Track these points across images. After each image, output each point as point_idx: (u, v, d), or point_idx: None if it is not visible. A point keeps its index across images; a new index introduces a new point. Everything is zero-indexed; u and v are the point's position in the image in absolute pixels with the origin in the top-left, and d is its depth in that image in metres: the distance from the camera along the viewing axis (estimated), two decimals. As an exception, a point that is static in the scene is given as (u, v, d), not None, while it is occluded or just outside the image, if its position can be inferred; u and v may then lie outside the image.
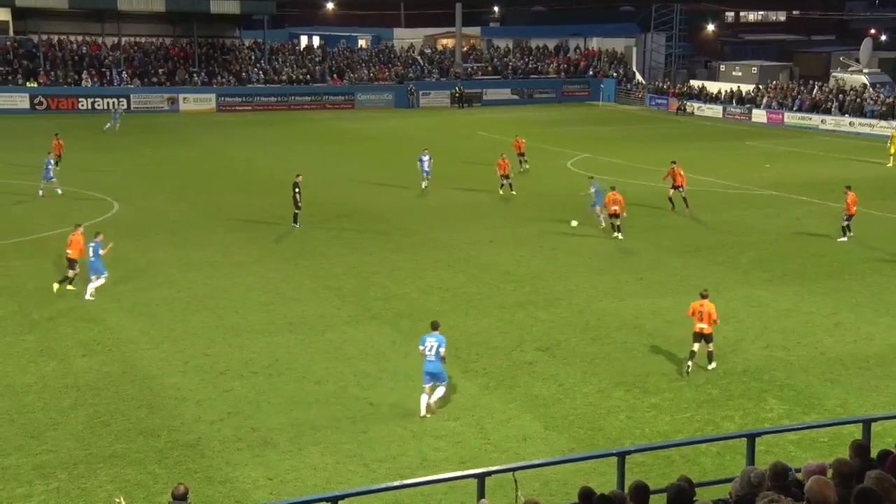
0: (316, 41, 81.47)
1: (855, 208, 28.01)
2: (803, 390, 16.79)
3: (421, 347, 15.92)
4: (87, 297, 21.82)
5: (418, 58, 76.98)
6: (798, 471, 8.35)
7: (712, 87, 68.84)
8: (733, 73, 71.04)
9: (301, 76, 70.63)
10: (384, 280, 23.99)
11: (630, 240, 28.34)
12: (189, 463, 13.94)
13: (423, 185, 36.13)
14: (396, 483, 12.28)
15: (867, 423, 10.36)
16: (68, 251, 22.34)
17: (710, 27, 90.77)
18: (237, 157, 40.83)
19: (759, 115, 61.88)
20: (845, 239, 27.65)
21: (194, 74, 67.89)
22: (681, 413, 15.88)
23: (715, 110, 65.30)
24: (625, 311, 21.42)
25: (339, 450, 14.44)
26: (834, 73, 65.44)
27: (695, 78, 75.35)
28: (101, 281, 22.19)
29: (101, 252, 22.18)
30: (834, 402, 16.24)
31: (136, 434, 14.86)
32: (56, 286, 22.15)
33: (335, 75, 71.96)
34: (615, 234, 28.74)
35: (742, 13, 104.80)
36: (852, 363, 18.04)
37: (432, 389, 15.75)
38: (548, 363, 18.20)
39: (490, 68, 76.77)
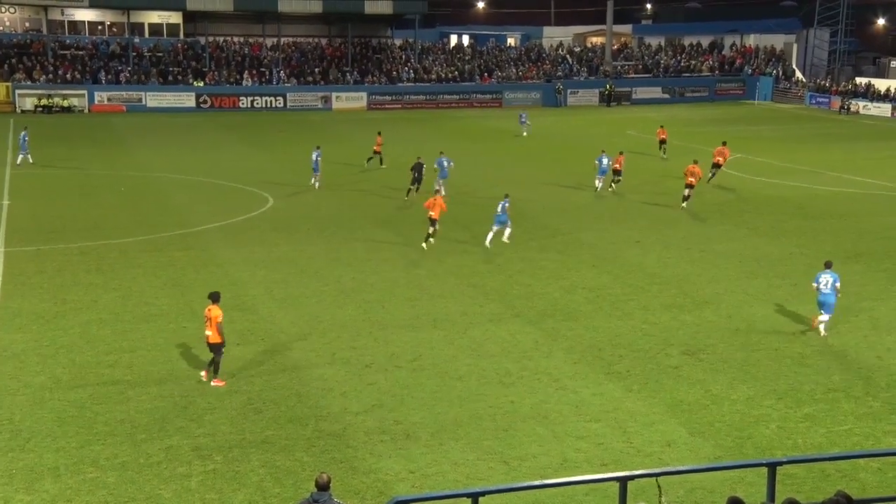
0: (466, 40, 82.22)
1: None
2: (974, 408, 15.73)
3: (815, 284, 19.53)
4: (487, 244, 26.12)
5: (567, 56, 76.45)
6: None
7: (881, 84, 65.34)
8: (904, 69, 67.29)
9: (450, 75, 71.39)
10: (528, 279, 23.94)
11: (784, 244, 27.26)
12: (335, 452, 14.33)
13: (598, 185, 35.63)
14: (537, 482, 12.25)
15: None
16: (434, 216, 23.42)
17: (881, 21, 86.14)
18: (387, 155, 41.65)
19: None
20: None
21: (347, 73, 69.72)
22: (838, 425, 15.16)
23: (883, 109, 61.99)
24: (777, 318, 20.62)
25: (480, 446, 14.52)
26: None
27: (861, 75, 71.69)
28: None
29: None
30: None
31: (285, 422, 15.39)
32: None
33: (484, 74, 72.35)
34: (683, 204, 31.75)
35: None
36: None
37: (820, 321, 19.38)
38: (694, 368, 17.74)
39: (641, 66, 75.44)
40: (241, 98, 65.99)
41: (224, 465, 13.87)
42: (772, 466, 9.91)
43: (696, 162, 33.71)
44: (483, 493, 9.42)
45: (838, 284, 19.30)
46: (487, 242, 26.82)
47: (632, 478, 9.92)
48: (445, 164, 34.93)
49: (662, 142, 44.57)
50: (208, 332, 17.00)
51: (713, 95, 72.69)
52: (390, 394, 16.58)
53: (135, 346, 18.89)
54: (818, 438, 14.70)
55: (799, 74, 75.70)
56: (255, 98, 66.10)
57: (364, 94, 67.96)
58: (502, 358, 18.37)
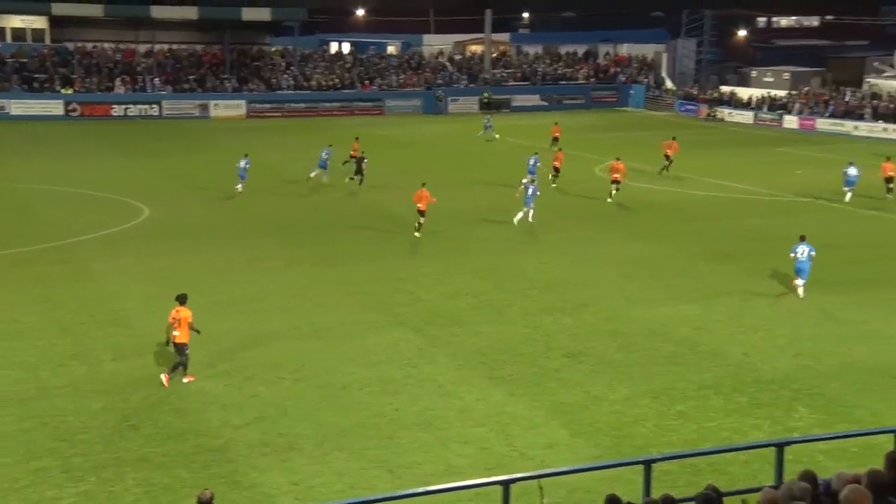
0: (346, 47, 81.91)
1: None
2: (834, 399, 16.57)
3: (792, 254, 22.55)
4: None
5: (447, 64, 77.09)
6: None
7: (743, 93, 68.31)
8: (764, 78, 70.44)
9: (331, 82, 70.98)
10: (410, 286, 23.98)
11: (658, 247, 28.17)
12: (215, 467, 13.99)
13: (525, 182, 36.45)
14: (421, 489, 12.23)
15: (899, 434, 10.19)
16: None
17: (742, 33, 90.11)
18: (267, 163, 41.08)
19: (790, 122, 61.32)
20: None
21: (225, 81, 68.45)
22: (708, 421, 15.72)
23: (746, 116, 64.76)
24: (653, 319, 21.26)
25: (364, 455, 14.44)
26: (868, 79, 64.67)
27: (725, 84, 74.77)
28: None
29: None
30: (865, 412, 16.01)
31: (163, 438, 14.94)
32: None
33: (365, 81, 72.24)
34: (609, 199, 34.24)
35: (774, 18, 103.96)
36: (884, 373, 17.78)
37: (798, 285, 22.37)
38: (574, 370, 18.10)
39: (519, 74, 76.70)
40: (113, 106, 63.93)
41: (97, 486, 13.36)
42: (647, 464, 10.18)
43: (618, 159, 35.56)
44: (367, 503, 9.35)
45: (813, 253, 22.38)
46: (516, 221, 30.29)
47: (514, 481, 10.02)
48: (243, 164, 36.26)
49: (556, 138, 47.60)
50: (176, 333, 17.03)
51: (589, 103, 74.52)
52: (272, 405, 16.32)
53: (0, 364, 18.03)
54: (691, 435, 15.20)
55: (669, 83, 78.39)
56: (129, 106, 64.15)
57: (243, 102, 66.85)
58: (386, 366, 18.33)
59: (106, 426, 15.35)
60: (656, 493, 9.15)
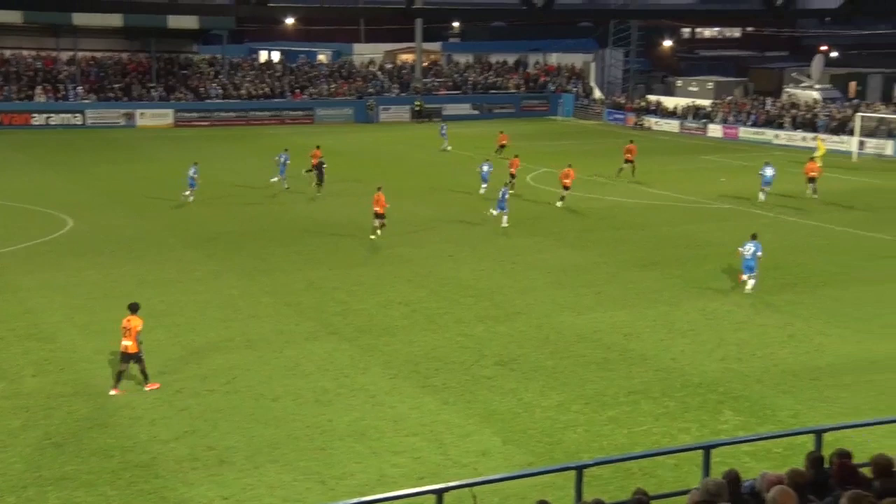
0: (276, 56, 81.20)
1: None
2: (758, 402, 16.99)
3: (741, 249, 24.02)
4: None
5: (378, 73, 77.05)
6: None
7: (669, 102, 69.64)
8: (689, 88, 71.92)
9: (261, 91, 70.34)
10: (344, 295, 23.90)
11: (588, 254, 28.56)
12: (142, 484, 13.73)
13: (482, 191, 38.34)
14: (354, 500, 12.16)
15: (819, 434, 10.49)
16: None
17: (667, 43, 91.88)
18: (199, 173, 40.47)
19: (714, 130, 62.67)
20: None
21: (151, 90, 67.34)
22: (638, 426, 15.97)
23: (672, 125, 66.02)
24: (584, 325, 21.53)
25: (297, 467, 14.32)
26: (787, 89, 66.52)
27: (652, 93, 76.12)
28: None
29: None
30: (787, 413, 16.44)
31: (88, 455, 14.61)
32: None
33: (295, 90, 71.77)
34: (558, 202, 35.71)
35: (698, 29, 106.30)
36: (805, 374, 18.30)
37: (749, 278, 23.83)
38: (507, 377, 18.23)
39: (451, 83, 77.04)
40: (33, 115, 62.31)
41: (21, 506, 12.99)
42: (579, 469, 10.30)
43: (570, 165, 36.57)
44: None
45: (759, 253, 23.81)
46: (489, 214, 32.29)
47: (447, 489, 10.05)
48: (192, 172, 36.04)
49: (502, 146, 48.26)
50: (127, 343, 16.96)
51: (520, 111, 75.14)
52: (202, 419, 16.09)
53: (-83, 383, 17.44)
54: (621, 439, 15.43)
55: (597, 92, 79.53)
56: (50, 115, 62.59)
57: (170, 111, 65.79)
58: (319, 376, 18.23)
59: (27, 444, 14.94)
60: (588, 498, 9.27)
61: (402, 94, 74.12)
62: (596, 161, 49.17)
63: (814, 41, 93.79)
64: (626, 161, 42.88)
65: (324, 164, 38.94)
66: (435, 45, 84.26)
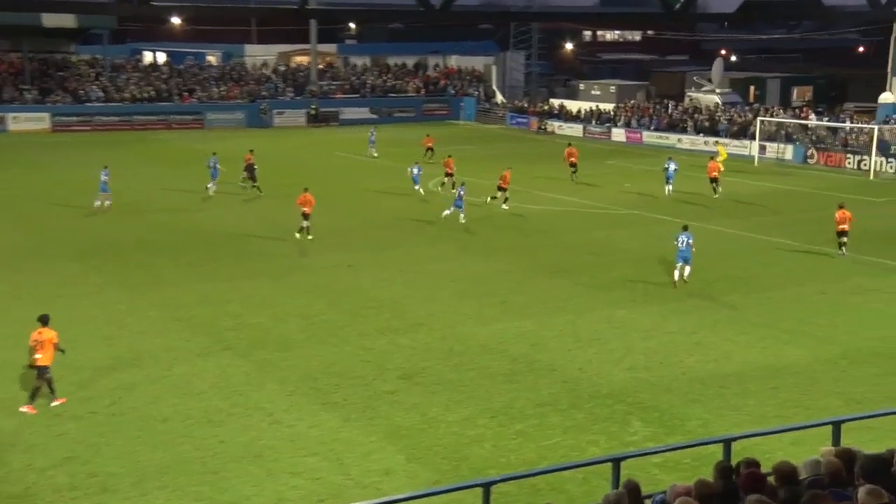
0: (161, 57, 79.44)
1: None
2: (666, 411, 17.30)
3: (675, 242, 25.76)
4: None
5: (272, 75, 76.17)
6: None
7: (572, 105, 70.81)
8: (592, 91, 73.32)
9: (146, 94, 68.68)
10: (238, 309, 23.47)
11: (494, 262, 28.72)
12: (18, 517, 13.12)
13: (419, 189, 40.03)
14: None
15: (727, 443, 10.69)
16: None
17: (569, 46, 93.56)
18: (76, 181, 39.23)
19: (618, 134, 63.99)
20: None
21: (25, 92, 64.97)
22: (546, 440, 16.07)
23: (575, 129, 67.09)
24: (489, 336, 21.60)
25: (187, 493, 13.91)
26: (688, 93, 68.45)
27: (554, 97, 77.32)
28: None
29: None
30: (696, 423, 16.79)
31: (-44, 487, 13.89)
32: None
33: (184, 93, 70.35)
34: (491, 199, 36.77)
35: (599, 33, 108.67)
36: (712, 382, 18.73)
37: (682, 269, 25.57)
38: (410, 392, 18.13)
39: (348, 86, 76.71)
40: None
41: None
42: (486, 486, 10.25)
43: (509, 168, 38.06)
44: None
45: (691, 241, 25.73)
46: (443, 215, 33.77)
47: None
48: (104, 177, 35.90)
49: (429, 149, 49.69)
50: (38, 356, 16.78)
51: (420, 116, 75.30)
52: (84, 443, 15.49)
53: None
54: (529, 454, 15.48)
55: (499, 95, 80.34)
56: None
57: (47, 115, 63.60)
58: (211, 395, 17.80)
59: None
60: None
61: (297, 98, 73.44)
62: (500, 166, 49.54)
63: (714, 45, 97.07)
64: (571, 165, 44.75)
65: (254, 166, 40.34)
66: (331, 47, 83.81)
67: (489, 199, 36.89)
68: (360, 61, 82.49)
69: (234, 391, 18.03)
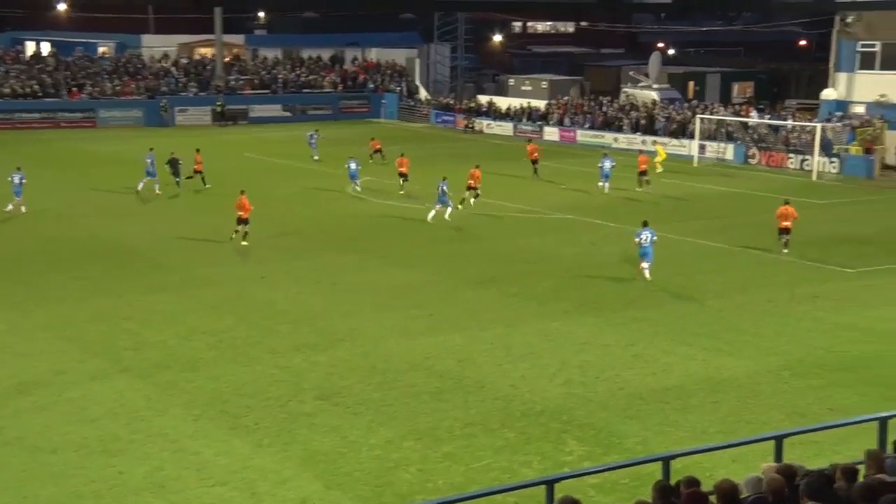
0: (46, 48, 77.78)
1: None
2: (603, 429, 17.63)
3: (637, 239, 27.45)
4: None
5: (172, 69, 75.27)
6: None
7: (501, 102, 71.41)
8: (523, 87, 74.06)
9: (29, 89, 67.21)
10: (137, 326, 23.22)
11: (418, 272, 28.85)
12: None
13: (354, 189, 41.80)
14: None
15: (666, 462, 10.96)
16: None
17: (497, 38, 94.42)
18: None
19: (551, 133, 64.75)
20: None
21: None
22: (476, 462, 16.24)
23: (505, 127, 67.69)
24: (414, 351, 21.72)
25: (84, 531, 13.72)
26: (624, 89, 69.52)
27: (483, 93, 77.87)
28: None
29: None
30: (634, 441, 17.14)
31: None
32: None
33: (73, 88, 69.06)
34: (471, 201, 38.20)
35: (530, 24, 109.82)
36: (651, 397, 19.14)
37: (646, 265, 27.41)
38: (329, 413, 18.15)
39: (257, 81, 76.19)
40: None
41: None
42: (412, 513, 10.37)
43: (477, 166, 39.25)
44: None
45: (655, 238, 27.50)
46: (429, 218, 35.23)
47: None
48: (17, 180, 36.28)
49: (377, 151, 50.51)
50: None
51: (338, 113, 75.18)
52: (-35, 480, 15.16)
53: None
54: (458, 478, 15.64)
55: (423, 91, 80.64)
56: None
57: (-85, 112, 61.93)
58: (108, 421, 17.59)
59: None
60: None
61: (202, 94, 72.71)
62: (426, 168, 49.74)
63: (651, 38, 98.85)
64: (533, 162, 46.68)
65: (179, 161, 41.58)
66: (238, 38, 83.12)
67: (459, 205, 37.12)
68: (270, 54, 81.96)
69: (133, 417, 17.83)
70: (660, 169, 48.59)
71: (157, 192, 40.96)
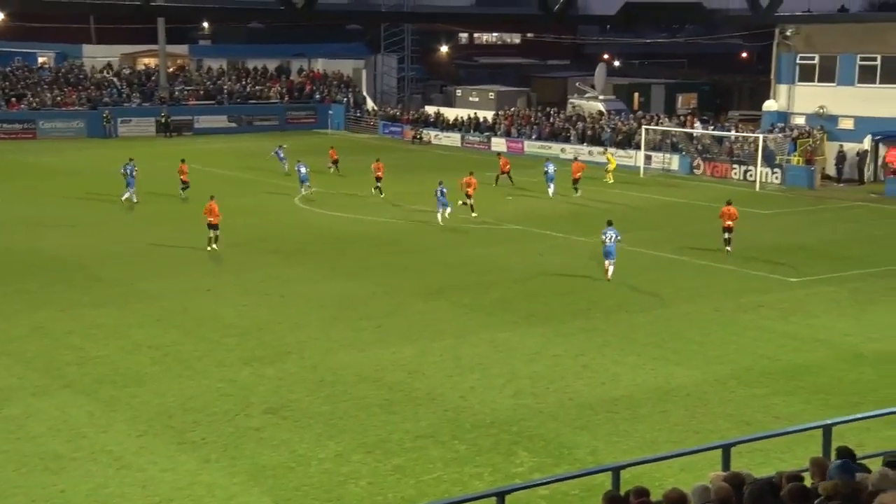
0: (-18, 58, 76.47)
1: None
2: (553, 440, 17.68)
3: (603, 237, 28.70)
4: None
5: (115, 79, 74.44)
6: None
7: (449, 113, 71.59)
8: (470, 98, 74.30)
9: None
10: (80, 340, 22.89)
11: (367, 284, 28.78)
12: None
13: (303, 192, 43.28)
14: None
15: (616, 472, 11.01)
16: None
17: (444, 49, 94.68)
18: None
19: (498, 144, 64.95)
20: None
21: None
22: (427, 474, 16.20)
23: (453, 139, 67.84)
24: (363, 364, 21.64)
25: (25, 552, 13.45)
26: (571, 100, 70.13)
27: (430, 104, 78.01)
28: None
29: None
30: (584, 451, 17.22)
31: None
32: None
33: (11, 99, 67.96)
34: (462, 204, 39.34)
35: (476, 35, 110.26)
36: (601, 407, 19.25)
37: (610, 265, 28.68)
38: (278, 427, 18.01)
39: (202, 92, 75.58)
40: None
41: None
42: (363, 528, 10.30)
43: (471, 173, 40.38)
44: None
45: (619, 238, 28.86)
46: (440, 220, 37.37)
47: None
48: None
49: (335, 162, 51.41)
50: None
51: (284, 124, 74.81)
52: None
53: None
54: (408, 490, 15.59)
55: (370, 102, 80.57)
56: None
57: None
58: (49, 438, 17.29)
59: None
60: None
61: (146, 105, 71.96)
62: (372, 179, 49.67)
63: (596, 49, 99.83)
64: (507, 174, 47.81)
65: (136, 168, 41.82)
66: (182, 48, 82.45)
67: (469, 208, 39.08)
68: (215, 64, 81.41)
69: (75, 433, 17.54)
70: (611, 180, 49.16)
71: (134, 200, 41.18)
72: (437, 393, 19.94)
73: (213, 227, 32.43)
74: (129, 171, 41.09)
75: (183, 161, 43.90)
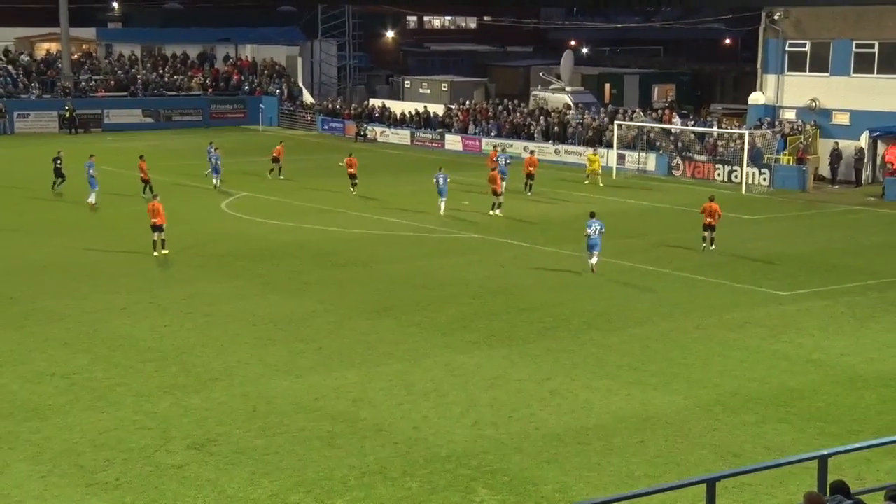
0: None
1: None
2: (517, 475, 17.81)
3: (588, 230, 31.21)
4: None
5: (9, 67, 73.74)
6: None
7: (396, 107, 71.79)
8: (420, 90, 74.66)
9: None
10: (-28, 369, 22.62)
11: (304, 301, 28.79)
12: None
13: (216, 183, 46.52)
14: None
15: (589, 510, 11.18)
16: None
17: (390, 34, 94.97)
18: None
19: (453, 142, 65.26)
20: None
21: None
22: (375, 515, 16.25)
23: (402, 136, 68.02)
24: (302, 392, 21.64)
25: None
26: (534, 92, 70.51)
27: (375, 96, 78.15)
28: None
29: None
30: (552, 488, 17.36)
31: None
32: None
33: None
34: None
35: (426, 18, 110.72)
36: (570, 438, 19.41)
37: (592, 257, 31.42)
38: (203, 465, 17.95)
39: (112, 82, 75.07)
40: None
41: None
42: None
43: (494, 169, 42.93)
44: None
45: (603, 230, 31.42)
46: (441, 212, 40.98)
47: None
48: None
49: (275, 160, 51.14)
50: None
51: (208, 120, 74.60)
52: None
53: None
54: (355, 534, 15.62)
55: (307, 95, 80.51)
56: None
57: None
58: (-60, 482, 17.07)
59: None
60: None
61: (46, 97, 71.36)
62: (314, 180, 49.68)
63: (562, 35, 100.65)
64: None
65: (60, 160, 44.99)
66: (88, 32, 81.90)
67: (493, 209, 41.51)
68: (127, 50, 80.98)
69: (-30, 474, 17.37)
70: (600, 184, 49.51)
71: (93, 202, 42.14)
72: (386, 424, 19.98)
73: (157, 228, 32.90)
74: (90, 171, 42.36)
75: (141, 157, 44.86)
